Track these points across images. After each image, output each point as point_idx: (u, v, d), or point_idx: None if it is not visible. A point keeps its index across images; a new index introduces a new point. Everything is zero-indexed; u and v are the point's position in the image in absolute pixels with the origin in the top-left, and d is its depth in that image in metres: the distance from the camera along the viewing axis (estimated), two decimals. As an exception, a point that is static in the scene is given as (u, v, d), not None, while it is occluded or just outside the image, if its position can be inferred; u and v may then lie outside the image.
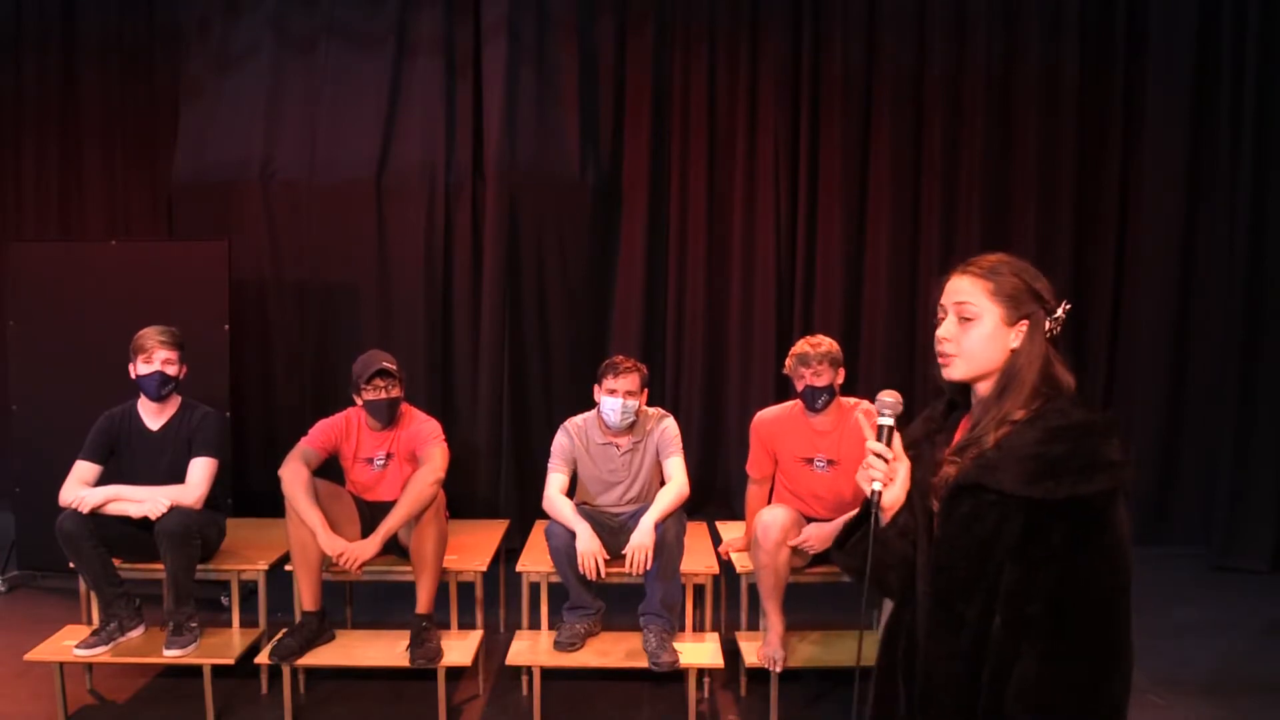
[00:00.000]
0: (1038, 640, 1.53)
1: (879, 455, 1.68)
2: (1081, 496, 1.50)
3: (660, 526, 3.51)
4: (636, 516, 3.62)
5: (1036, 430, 1.57)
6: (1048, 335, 1.66)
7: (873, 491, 1.68)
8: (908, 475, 1.70)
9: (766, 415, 3.76)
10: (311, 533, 3.47)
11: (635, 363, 3.73)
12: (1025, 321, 1.65)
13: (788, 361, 3.61)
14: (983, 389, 1.69)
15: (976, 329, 1.68)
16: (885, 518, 1.70)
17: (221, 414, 3.98)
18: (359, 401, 3.73)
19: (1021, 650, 1.54)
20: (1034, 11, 5.40)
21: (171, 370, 3.68)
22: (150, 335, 3.67)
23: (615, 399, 3.65)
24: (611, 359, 3.74)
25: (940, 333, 1.73)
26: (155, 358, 3.64)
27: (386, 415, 3.72)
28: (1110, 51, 5.43)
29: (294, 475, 3.53)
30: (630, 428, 3.75)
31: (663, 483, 3.77)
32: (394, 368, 3.69)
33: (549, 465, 3.77)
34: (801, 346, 3.57)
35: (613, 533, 3.66)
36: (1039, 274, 1.69)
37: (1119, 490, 1.53)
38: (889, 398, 1.73)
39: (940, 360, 1.73)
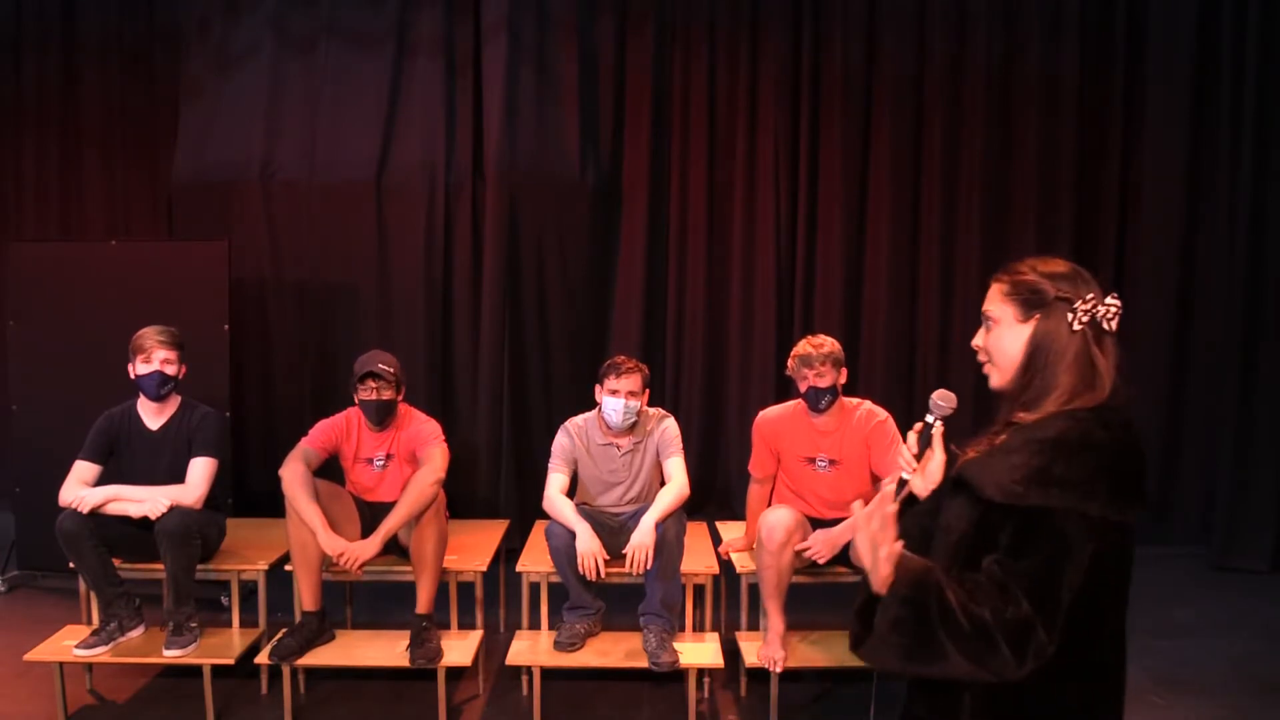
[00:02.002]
0: (962, 642, 1.49)
1: (910, 451, 1.77)
2: (1025, 506, 1.49)
3: (660, 526, 3.51)
4: (636, 517, 3.62)
5: (1021, 437, 1.57)
6: (1078, 328, 1.62)
7: (900, 479, 1.78)
8: (941, 468, 1.76)
9: (769, 415, 3.76)
10: (312, 532, 3.47)
11: (637, 363, 3.73)
12: (1037, 315, 1.64)
13: (790, 362, 3.62)
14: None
15: (995, 332, 1.69)
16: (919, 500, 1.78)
17: (221, 414, 3.97)
18: (357, 400, 3.74)
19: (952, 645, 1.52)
20: (1034, 11, 5.40)
21: (170, 370, 3.68)
22: (149, 335, 3.67)
23: (618, 399, 3.65)
24: (613, 359, 3.74)
25: (974, 342, 1.75)
26: (154, 357, 3.64)
27: (377, 416, 3.72)
28: (1110, 51, 5.43)
29: (294, 475, 3.53)
30: (631, 428, 3.75)
31: (663, 483, 3.77)
32: (389, 369, 3.68)
33: (549, 465, 3.77)
34: (804, 347, 3.57)
35: (613, 533, 3.66)
36: (1072, 269, 1.67)
37: (1067, 513, 1.47)
38: (941, 400, 1.80)
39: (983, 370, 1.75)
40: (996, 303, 1.70)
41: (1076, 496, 1.49)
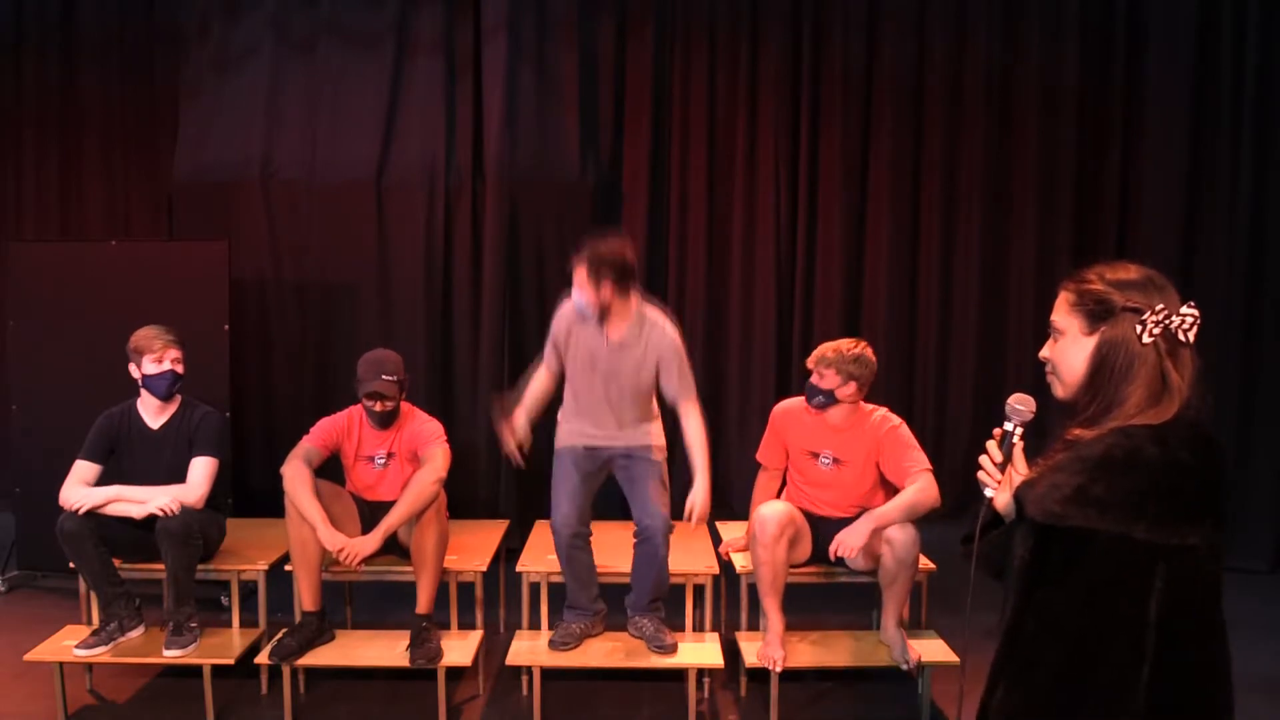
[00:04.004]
0: (1015, 672, 1.52)
1: (992, 460, 1.64)
2: (1066, 528, 1.45)
3: (654, 530, 3.51)
4: (627, 457, 3.57)
5: (1071, 454, 1.50)
6: (1147, 343, 1.51)
7: (987, 497, 1.64)
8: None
9: (785, 403, 3.82)
10: (312, 530, 3.47)
11: (600, 249, 3.37)
12: (1101, 331, 1.55)
13: (813, 353, 3.64)
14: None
15: (1061, 344, 1.61)
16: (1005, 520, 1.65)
17: (222, 414, 3.97)
18: (362, 404, 3.74)
19: (1002, 676, 1.54)
20: (1034, 11, 5.40)
21: (180, 369, 3.69)
22: (157, 335, 3.67)
23: (575, 291, 3.44)
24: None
25: (1041, 353, 1.67)
26: (166, 357, 3.65)
27: (381, 423, 3.74)
28: (1110, 51, 5.43)
29: (296, 473, 3.53)
30: (618, 321, 3.49)
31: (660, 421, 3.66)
32: (391, 379, 3.65)
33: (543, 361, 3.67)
34: (825, 346, 3.60)
35: (599, 467, 3.62)
36: (1136, 279, 1.56)
37: (1110, 536, 1.43)
38: (1020, 405, 1.65)
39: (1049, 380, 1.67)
40: (1063, 314, 1.60)
41: (1117, 518, 1.41)
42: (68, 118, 5.78)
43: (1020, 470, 1.64)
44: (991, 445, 1.66)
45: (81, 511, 3.48)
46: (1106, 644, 1.47)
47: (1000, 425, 1.67)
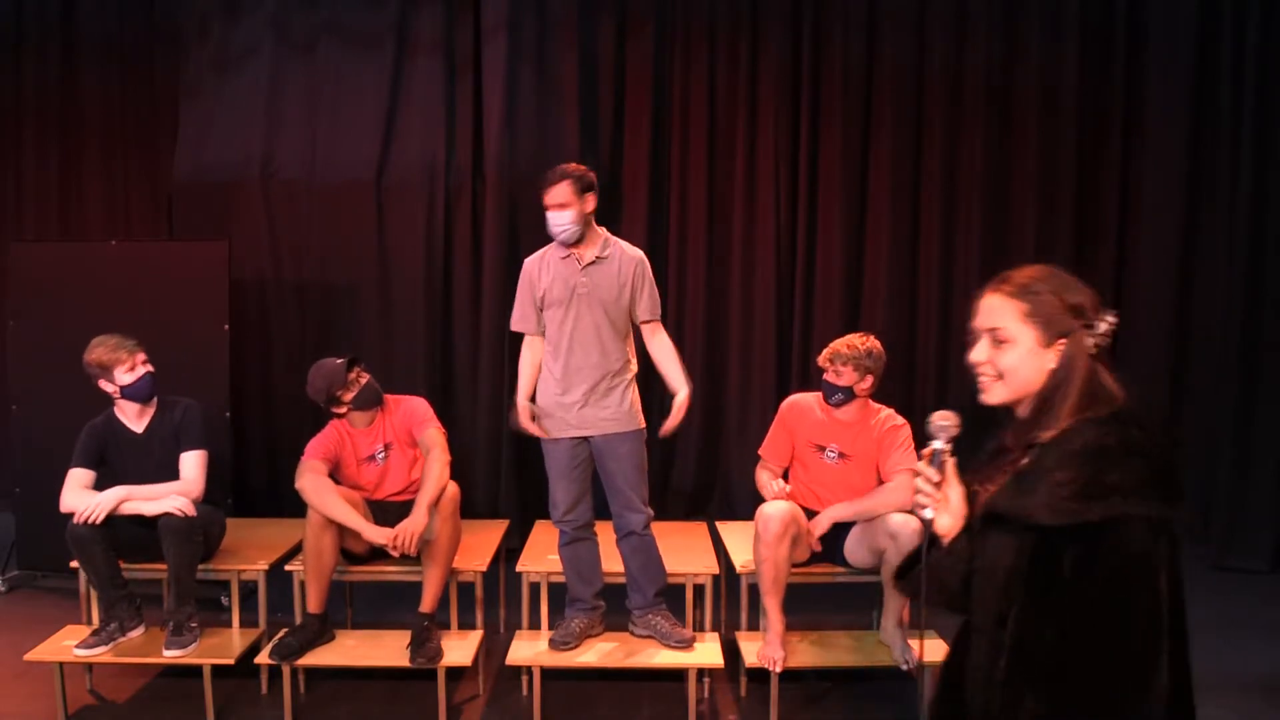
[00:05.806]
0: (1042, 681, 1.49)
1: (927, 480, 1.65)
2: (1088, 523, 1.45)
3: (634, 535, 3.53)
4: (605, 442, 3.53)
5: (1053, 455, 1.52)
6: (1093, 350, 1.60)
7: (924, 520, 1.65)
8: (962, 500, 1.65)
9: (797, 397, 3.84)
10: (333, 538, 3.48)
11: (572, 168, 3.50)
12: (1063, 341, 1.59)
13: (824, 351, 3.66)
14: (1021, 410, 1.64)
15: (1011, 352, 1.61)
16: (944, 542, 1.66)
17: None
18: (342, 411, 3.71)
19: (1028, 688, 1.51)
20: (1034, 11, 5.39)
21: (150, 368, 3.70)
22: (119, 344, 3.64)
23: (549, 213, 3.50)
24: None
25: (973, 357, 1.66)
26: (136, 362, 3.66)
27: (375, 399, 3.72)
28: (1110, 51, 5.43)
29: (318, 483, 3.53)
30: (589, 242, 3.56)
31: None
32: (341, 359, 3.68)
33: (515, 323, 3.64)
34: (837, 344, 3.63)
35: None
36: (1079, 286, 1.63)
37: (1132, 519, 1.45)
38: (944, 421, 1.67)
39: (979, 384, 1.67)
40: (1014, 321, 1.61)
41: (1137, 501, 1.45)
42: (68, 118, 5.79)
43: (957, 488, 1.65)
44: (922, 465, 1.67)
45: (99, 520, 3.46)
46: (1132, 625, 1.48)
47: (927, 445, 1.68)
